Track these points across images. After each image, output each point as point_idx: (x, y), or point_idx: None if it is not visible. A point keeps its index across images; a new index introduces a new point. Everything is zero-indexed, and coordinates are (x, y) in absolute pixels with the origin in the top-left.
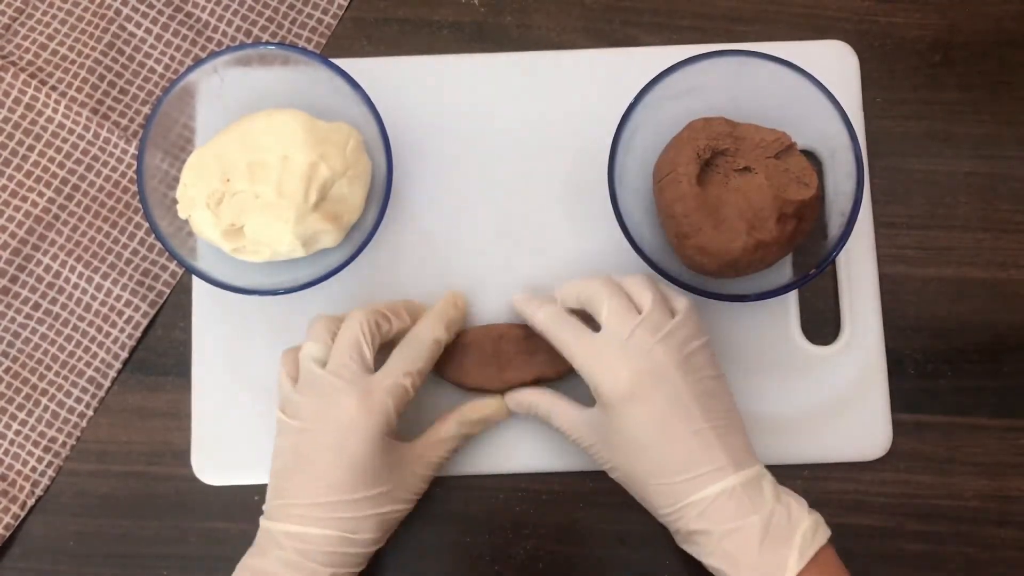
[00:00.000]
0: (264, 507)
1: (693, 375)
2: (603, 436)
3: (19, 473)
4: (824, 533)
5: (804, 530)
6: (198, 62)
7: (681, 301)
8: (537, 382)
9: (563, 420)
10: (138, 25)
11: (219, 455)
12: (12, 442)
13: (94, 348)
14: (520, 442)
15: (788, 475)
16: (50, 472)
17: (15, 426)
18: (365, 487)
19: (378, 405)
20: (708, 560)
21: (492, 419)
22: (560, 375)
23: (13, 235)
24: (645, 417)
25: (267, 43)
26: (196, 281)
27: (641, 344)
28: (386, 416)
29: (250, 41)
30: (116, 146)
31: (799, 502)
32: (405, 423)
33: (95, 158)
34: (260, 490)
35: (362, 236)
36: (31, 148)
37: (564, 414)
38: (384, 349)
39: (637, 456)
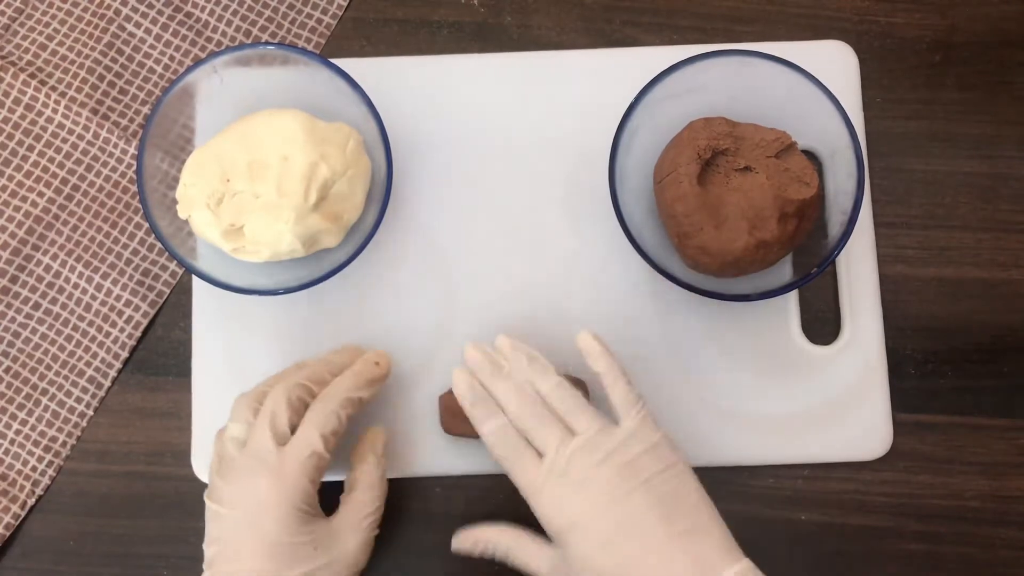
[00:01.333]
0: None
1: (642, 486)
2: (564, 572)
3: (19, 473)
4: None
5: None
6: (198, 62)
7: (628, 409)
8: None
9: (523, 557)
10: (138, 25)
11: None
12: (12, 442)
13: (94, 348)
14: None
15: (788, 475)
16: (50, 472)
17: (15, 426)
18: (288, 568)
19: (290, 481)
20: None
21: (380, 376)
22: None
23: (13, 235)
24: (594, 546)
25: (267, 43)
26: (196, 281)
27: (579, 471)
28: (302, 492)
29: (250, 41)
30: (116, 146)
31: None
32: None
33: (95, 158)
34: None
35: (362, 236)
36: (31, 148)
37: (524, 551)
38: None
39: None
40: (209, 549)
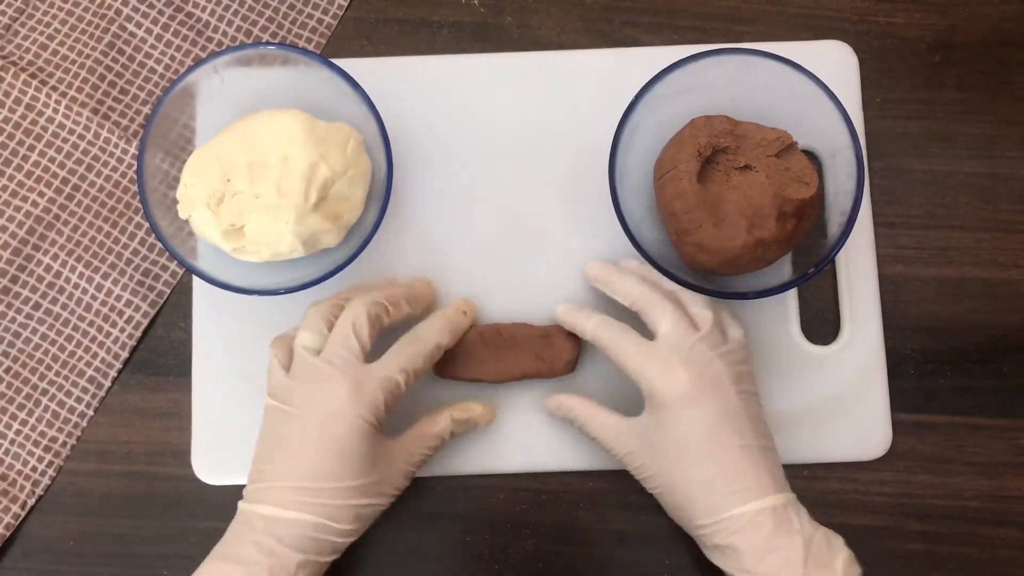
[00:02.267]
0: (244, 491)
1: (745, 393)
2: (648, 442)
3: (19, 473)
4: (857, 570)
5: (844, 559)
6: (199, 62)
7: (737, 329)
8: (526, 377)
9: (601, 427)
10: (138, 25)
11: (219, 455)
12: (12, 442)
13: (94, 348)
14: (520, 442)
15: (788, 475)
16: (50, 472)
17: (15, 426)
18: (346, 476)
19: (368, 395)
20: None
21: (478, 422)
22: (554, 374)
23: (13, 235)
24: (700, 422)
25: (267, 43)
26: (196, 281)
27: (701, 354)
28: (375, 408)
29: (250, 41)
30: (116, 146)
31: (835, 535)
32: (389, 419)
33: (95, 158)
34: None
35: (362, 236)
36: (31, 148)
37: (604, 421)
38: (384, 335)
39: (684, 463)
40: (260, 445)
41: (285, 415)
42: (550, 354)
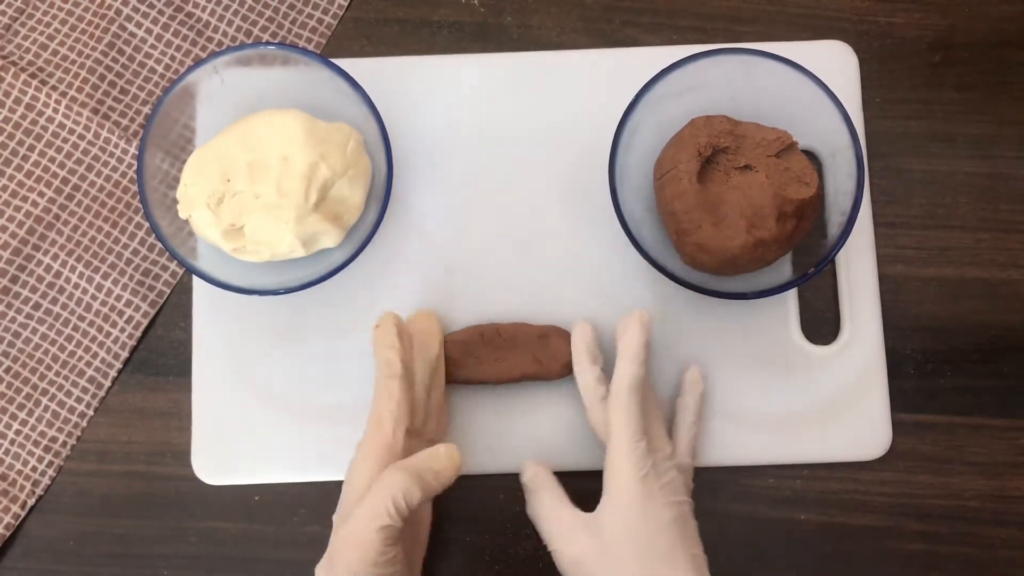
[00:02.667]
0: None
1: (679, 505)
2: (584, 537)
3: (19, 473)
4: None
5: None
6: (199, 62)
7: (690, 448)
8: (525, 378)
9: (549, 511)
10: (138, 25)
11: (219, 455)
12: (12, 442)
13: (94, 348)
14: (520, 442)
15: (788, 475)
16: (50, 472)
17: (15, 426)
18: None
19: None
20: None
21: (441, 472)
22: (551, 377)
23: (13, 235)
24: (643, 526)
25: (267, 43)
26: (196, 281)
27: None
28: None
29: (250, 41)
30: (116, 146)
31: None
32: None
33: (95, 158)
34: (260, 490)
35: (362, 236)
36: (31, 148)
37: (555, 509)
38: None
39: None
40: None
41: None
42: (547, 356)
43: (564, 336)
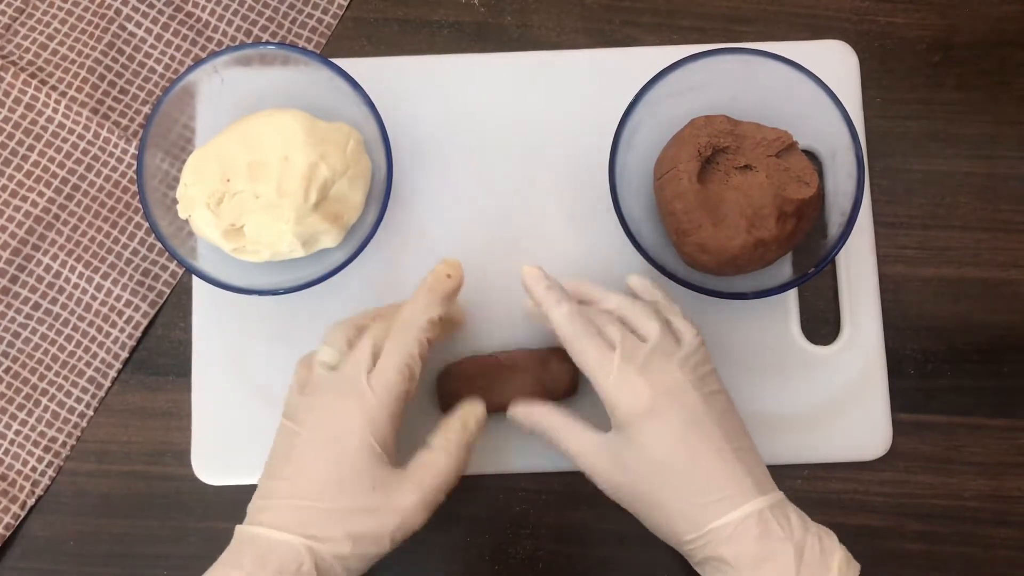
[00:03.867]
0: (248, 507)
1: (711, 395)
2: (619, 460)
3: (19, 473)
4: (855, 567)
5: (839, 561)
6: (198, 62)
7: (689, 329)
8: None
9: (574, 443)
10: (138, 25)
11: (219, 455)
12: (12, 442)
13: (94, 348)
14: (520, 442)
15: (788, 475)
16: (50, 472)
17: (15, 426)
18: (342, 496)
19: (373, 408)
20: None
21: (472, 419)
22: (556, 399)
23: (13, 235)
24: (666, 435)
25: (267, 43)
26: (196, 281)
27: (658, 364)
28: (380, 424)
29: (250, 41)
30: (116, 146)
31: (828, 533)
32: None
33: (95, 158)
34: None
35: (362, 236)
36: (31, 148)
37: (577, 436)
38: None
39: (657, 479)
40: (267, 463)
41: (292, 433)
42: (550, 380)
43: (564, 357)
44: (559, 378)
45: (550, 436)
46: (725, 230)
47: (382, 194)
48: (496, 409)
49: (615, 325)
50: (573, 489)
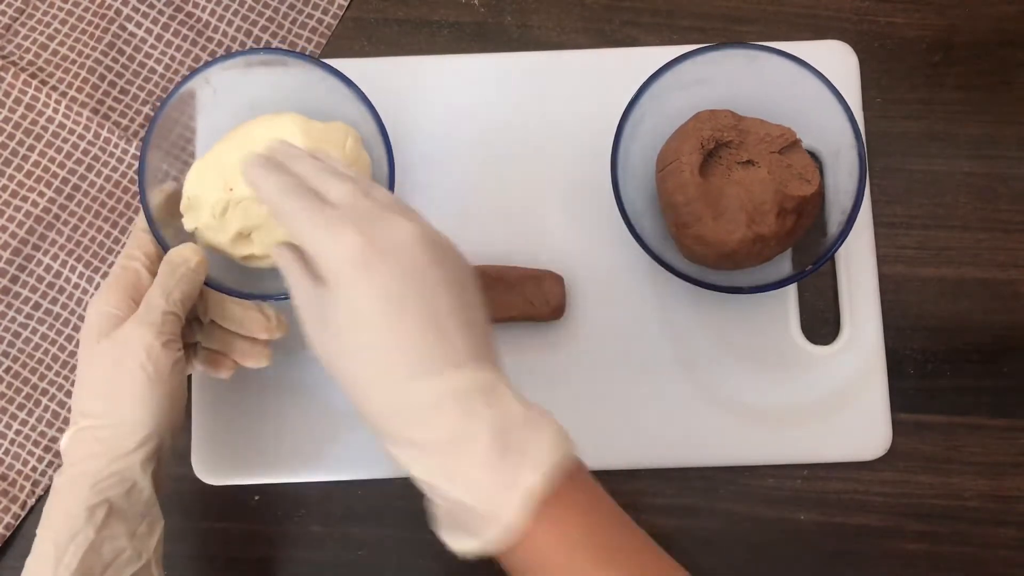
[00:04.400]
0: None
1: (437, 257)
2: (324, 319)
3: (19, 473)
4: (568, 448)
5: (545, 442)
6: (195, 71)
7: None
8: (512, 319)
9: (297, 290)
10: (138, 25)
11: (219, 455)
12: (12, 442)
13: None
14: None
15: (788, 475)
16: (50, 472)
17: (15, 426)
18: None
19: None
20: (417, 472)
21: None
22: (542, 318)
23: (13, 235)
24: (374, 290)
25: (264, 49)
26: None
27: (378, 214)
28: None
29: (251, 41)
30: (116, 146)
31: (542, 413)
32: None
33: (95, 158)
34: (260, 490)
35: None
36: (31, 148)
37: (299, 283)
38: None
39: (360, 341)
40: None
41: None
42: (539, 297)
43: (556, 277)
44: (550, 297)
45: (282, 266)
46: (725, 224)
47: None
48: None
49: (340, 179)
50: None
